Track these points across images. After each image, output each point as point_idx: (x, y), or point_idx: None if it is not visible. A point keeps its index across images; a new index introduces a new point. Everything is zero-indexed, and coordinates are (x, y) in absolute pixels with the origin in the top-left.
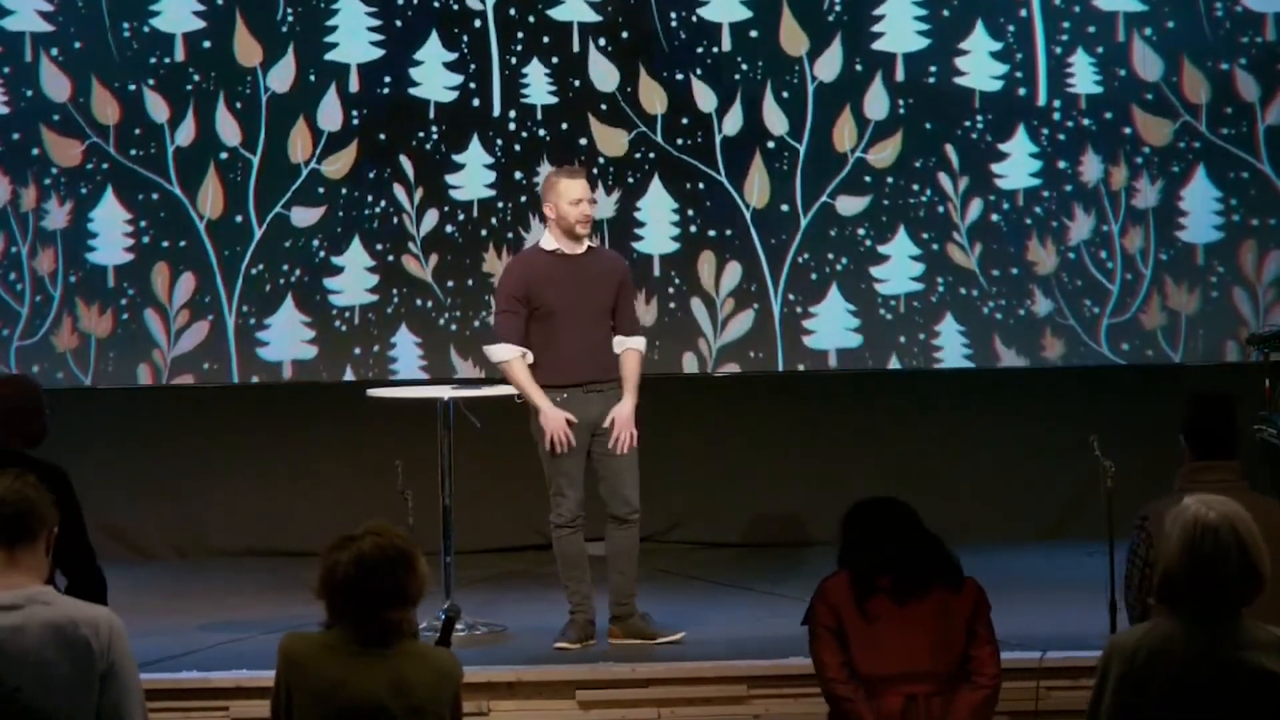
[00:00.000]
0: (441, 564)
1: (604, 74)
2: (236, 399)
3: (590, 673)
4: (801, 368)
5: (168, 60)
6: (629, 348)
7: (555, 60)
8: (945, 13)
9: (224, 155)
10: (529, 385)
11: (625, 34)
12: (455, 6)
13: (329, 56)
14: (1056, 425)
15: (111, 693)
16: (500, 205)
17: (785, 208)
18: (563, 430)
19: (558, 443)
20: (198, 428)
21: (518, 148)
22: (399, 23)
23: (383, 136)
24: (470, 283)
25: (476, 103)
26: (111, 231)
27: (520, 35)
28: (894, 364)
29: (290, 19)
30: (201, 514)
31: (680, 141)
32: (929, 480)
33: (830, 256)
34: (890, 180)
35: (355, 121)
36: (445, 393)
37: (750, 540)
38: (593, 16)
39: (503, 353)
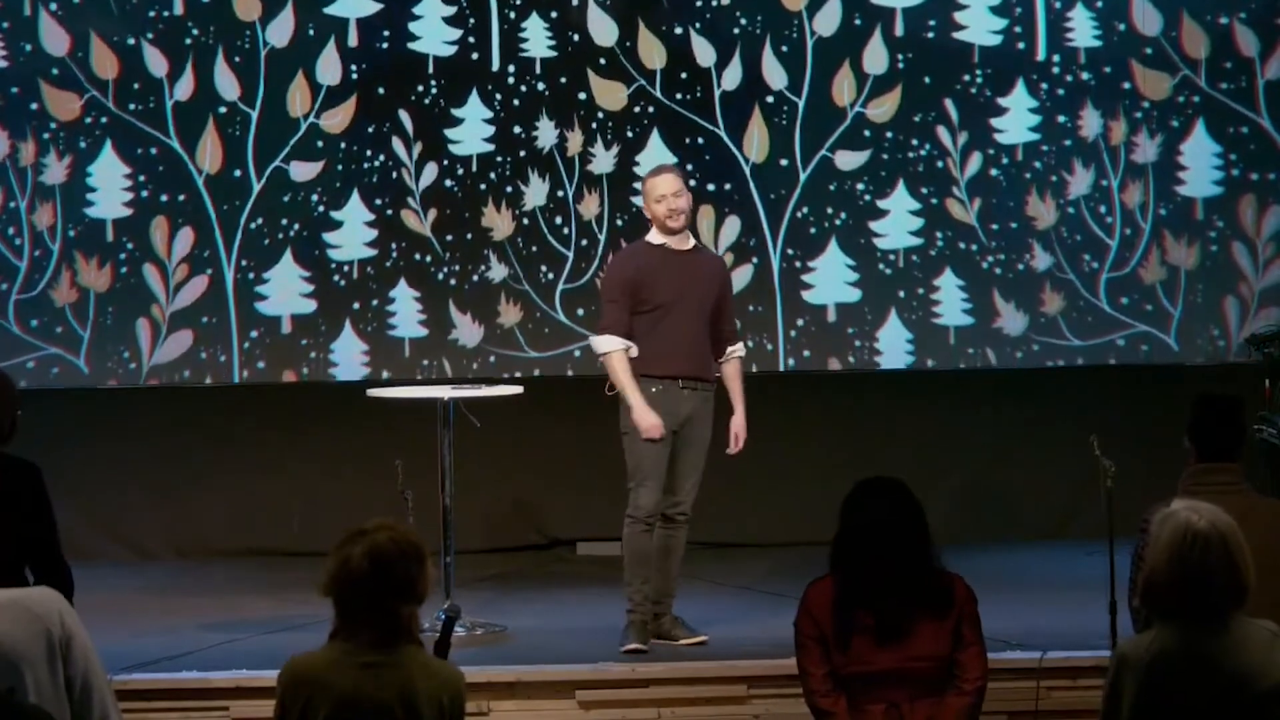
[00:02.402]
0: (441, 564)
1: (603, 28)
2: (237, 398)
3: (590, 673)
4: (801, 322)
5: (166, 14)
6: (735, 355)
7: (554, 14)
8: None
9: (223, 110)
10: (627, 381)
11: None
12: None
13: (328, 10)
14: (1056, 425)
15: (77, 659)
16: (499, 160)
17: (784, 162)
18: (655, 430)
19: (647, 437)
20: (197, 428)
21: (517, 102)
22: None
23: (381, 91)
24: (469, 237)
25: (475, 57)
26: (110, 186)
27: None
28: (893, 318)
29: None
30: (201, 514)
31: (679, 96)
32: (929, 480)
33: (829, 211)
34: (889, 135)
35: (354, 76)
36: (445, 393)
37: (750, 540)
38: None
39: (605, 344)
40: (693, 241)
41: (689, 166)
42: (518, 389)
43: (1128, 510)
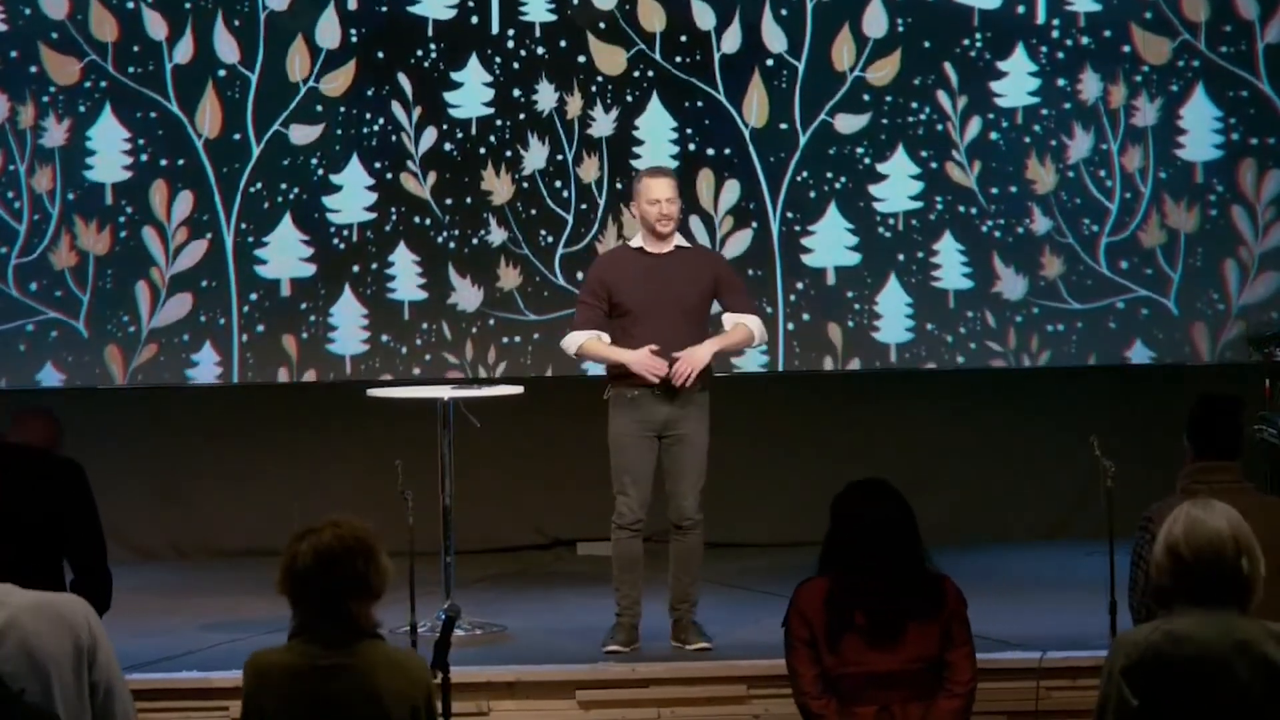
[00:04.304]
0: (441, 564)
1: None
2: (236, 397)
3: (590, 673)
4: (800, 286)
5: None
6: (739, 322)
7: None
8: None
9: (222, 73)
10: (608, 351)
11: None
12: None
13: None
14: (1056, 425)
15: (102, 665)
16: (499, 123)
17: (784, 126)
18: (652, 364)
19: (653, 373)
20: (198, 428)
21: (516, 65)
22: None
23: (381, 54)
24: (469, 201)
25: (475, 20)
26: (110, 149)
27: None
28: (893, 282)
29: None
30: (201, 514)
31: (679, 59)
32: (929, 479)
33: (829, 175)
34: (889, 99)
35: (354, 39)
36: (445, 393)
37: (748, 540)
38: None
39: (572, 340)
40: (675, 243)
41: (689, 130)
42: (518, 389)
43: (1128, 510)
